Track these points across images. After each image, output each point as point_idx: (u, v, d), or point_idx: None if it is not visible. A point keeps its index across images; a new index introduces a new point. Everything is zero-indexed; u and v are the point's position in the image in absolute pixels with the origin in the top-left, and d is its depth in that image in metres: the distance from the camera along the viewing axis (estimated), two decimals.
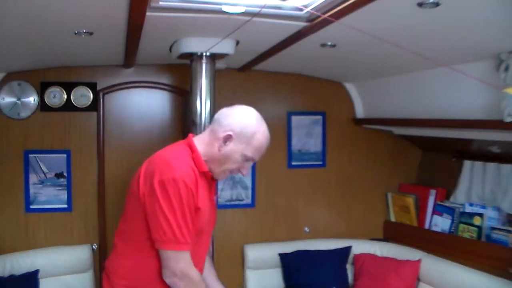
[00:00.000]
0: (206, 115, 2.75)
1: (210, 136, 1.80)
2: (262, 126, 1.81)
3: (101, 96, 3.26)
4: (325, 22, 1.90)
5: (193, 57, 2.68)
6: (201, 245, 1.82)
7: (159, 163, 1.69)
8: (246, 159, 1.78)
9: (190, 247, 1.68)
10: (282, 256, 3.40)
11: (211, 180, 1.85)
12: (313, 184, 3.66)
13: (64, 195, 3.20)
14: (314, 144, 3.66)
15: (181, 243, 1.64)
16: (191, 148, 1.77)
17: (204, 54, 2.64)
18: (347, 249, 3.48)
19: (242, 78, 3.48)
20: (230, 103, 3.36)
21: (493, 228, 2.89)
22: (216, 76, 2.78)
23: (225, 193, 3.48)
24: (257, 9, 1.87)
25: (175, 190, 1.62)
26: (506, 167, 2.95)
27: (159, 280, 1.72)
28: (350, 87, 3.68)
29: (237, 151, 1.76)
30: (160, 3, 1.89)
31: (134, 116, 3.33)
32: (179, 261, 1.66)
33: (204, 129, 2.77)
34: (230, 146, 1.76)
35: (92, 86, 3.24)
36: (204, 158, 1.77)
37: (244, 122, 1.78)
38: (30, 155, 3.13)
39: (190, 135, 1.85)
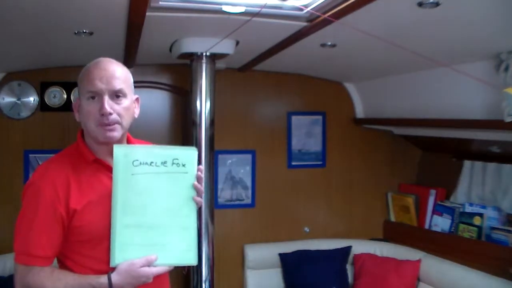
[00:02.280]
0: (206, 115, 2.75)
1: (77, 120, 1.56)
2: (89, 64, 1.51)
3: None
4: (325, 22, 1.90)
5: (193, 57, 2.68)
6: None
7: None
8: (90, 97, 1.46)
9: (35, 260, 1.43)
10: (282, 256, 3.40)
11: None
12: (313, 184, 3.66)
13: None
14: (314, 144, 3.66)
15: (17, 254, 1.47)
16: (77, 141, 1.54)
17: (204, 54, 2.64)
18: (347, 249, 3.48)
19: (242, 78, 3.48)
20: (230, 103, 3.42)
21: (493, 228, 2.89)
22: (216, 76, 2.78)
23: (225, 193, 3.48)
24: (257, 9, 1.87)
25: (27, 197, 1.45)
26: (506, 167, 2.95)
27: None
28: (350, 87, 3.68)
29: (81, 104, 1.48)
30: (160, 3, 1.90)
31: None
32: (16, 275, 1.49)
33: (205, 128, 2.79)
34: (80, 108, 1.51)
35: None
36: (88, 143, 1.53)
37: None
38: (30, 155, 3.13)
39: (80, 131, 1.58)
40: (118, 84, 1.47)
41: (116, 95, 1.47)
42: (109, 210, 1.44)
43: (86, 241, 1.44)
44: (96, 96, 1.45)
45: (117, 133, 1.48)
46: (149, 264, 1.42)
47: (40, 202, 1.41)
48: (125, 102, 1.50)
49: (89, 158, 1.49)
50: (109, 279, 1.38)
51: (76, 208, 1.41)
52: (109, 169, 1.49)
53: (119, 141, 1.53)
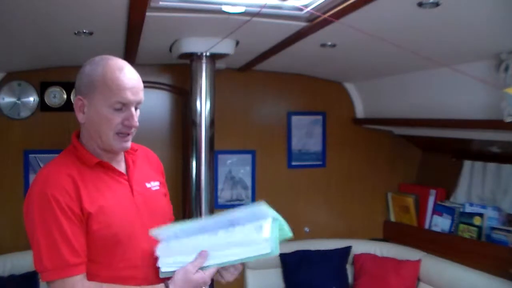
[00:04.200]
0: (206, 115, 2.75)
1: (80, 121, 1.46)
2: (104, 64, 1.39)
3: None
4: (325, 22, 1.90)
5: (193, 57, 2.68)
6: (133, 252, 1.41)
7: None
8: (116, 108, 1.38)
9: (76, 269, 1.32)
10: (282, 256, 3.40)
11: (124, 166, 1.51)
12: (313, 184, 3.66)
13: None
14: (314, 144, 3.66)
15: (50, 270, 1.31)
16: (74, 145, 1.47)
17: (204, 54, 2.64)
18: (347, 249, 3.48)
19: (242, 78, 3.48)
20: (230, 103, 3.42)
21: (493, 228, 2.89)
22: (216, 76, 2.78)
23: (225, 193, 3.48)
24: (257, 9, 1.87)
25: (38, 207, 1.33)
26: (506, 167, 2.95)
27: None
28: (350, 87, 3.68)
29: (100, 109, 1.38)
30: (160, 3, 1.90)
31: None
32: None
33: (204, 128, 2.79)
34: (90, 110, 1.40)
35: None
36: (89, 146, 1.45)
37: (84, 76, 1.41)
38: (30, 155, 3.13)
39: (74, 133, 1.51)
40: (142, 95, 1.43)
41: (137, 106, 1.43)
42: (121, 214, 1.40)
43: (99, 247, 1.37)
44: (123, 107, 1.39)
45: (130, 142, 1.46)
46: (201, 266, 1.37)
47: (56, 208, 1.31)
48: (139, 111, 1.46)
49: (91, 161, 1.42)
50: (166, 286, 1.36)
51: (91, 212, 1.35)
52: (112, 170, 1.46)
53: None
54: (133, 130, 1.43)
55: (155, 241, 1.44)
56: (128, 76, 1.39)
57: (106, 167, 1.45)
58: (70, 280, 1.31)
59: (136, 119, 1.41)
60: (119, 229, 1.39)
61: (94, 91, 1.38)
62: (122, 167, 1.50)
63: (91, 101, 1.39)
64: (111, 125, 1.39)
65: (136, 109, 1.43)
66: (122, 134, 1.41)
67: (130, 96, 1.38)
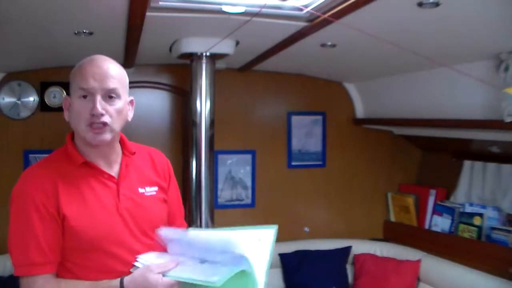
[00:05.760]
0: (206, 115, 2.75)
1: (66, 119, 1.48)
2: (81, 62, 1.41)
3: None
4: (325, 22, 1.90)
5: (193, 57, 2.68)
6: (109, 256, 1.37)
7: None
8: (82, 95, 1.36)
9: (40, 269, 1.32)
10: (282, 256, 3.40)
11: (114, 170, 1.46)
12: (313, 184, 3.66)
13: None
14: (314, 144, 3.66)
15: (17, 267, 1.35)
16: (66, 144, 1.46)
17: (204, 54, 2.64)
18: (347, 249, 3.48)
19: (242, 78, 3.48)
20: (230, 103, 3.42)
21: (493, 228, 2.89)
22: (216, 76, 2.78)
23: (225, 193, 3.48)
24: (257, 9, 1.87)
25: (15, 204, 1.36)
26: (506, 167, 2.95)
27: None
28: (350, 87, 3.68)
29: (73, 101, 1.39)
30: (160, 3, 1.90)
31: (134, 116, 3.28)
32: None
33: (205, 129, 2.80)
34: (71, 105, 1.41)
35: None
36: (78, 144, 1.44)
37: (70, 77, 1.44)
38: (30, 155, 3.13)
39: (69, 133, 1.50)
40: (112, 83, 1.37)
41: (109, 95, 1.37)
42: (100, 217, 1.36)
43: (77, 249, 1.35)
44: (88, 95, 1.35)
45: (107, 136, 1.38)
46: (165, 270, 1.31)
47: (30, 206, 1.32)
48: (118, 103, 1.39)
49: (77, 161, 1.40)
50: (121, 282, 1.31)
51: (66, 214, 1.33)
52: (99, 172, 1.42)
53: (111, 144, 1.43)
54: (106, 120, 1.36)
55: (137, 247, 1.41)
56: (94, 64, 1.37)
57: (93, 168, 1.41)
58: (33, 278, 1.33)
59: (97, 105, 1.33)
60: (94, 232, 1.35)
61: (70, 87, 1.40)
62: (114, 170, 1.45)
63: (71, 98, 1.41)
64: (81, 115, 1.36)
65: (110, 97, 1.37)
66: (94, 125, 1.35)
67: (92, 82, 1.34)
